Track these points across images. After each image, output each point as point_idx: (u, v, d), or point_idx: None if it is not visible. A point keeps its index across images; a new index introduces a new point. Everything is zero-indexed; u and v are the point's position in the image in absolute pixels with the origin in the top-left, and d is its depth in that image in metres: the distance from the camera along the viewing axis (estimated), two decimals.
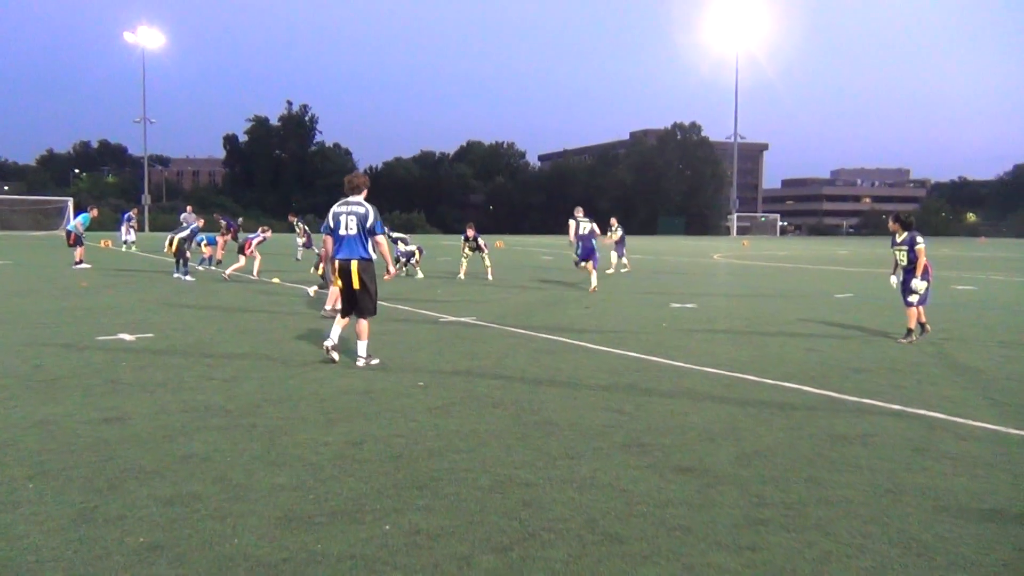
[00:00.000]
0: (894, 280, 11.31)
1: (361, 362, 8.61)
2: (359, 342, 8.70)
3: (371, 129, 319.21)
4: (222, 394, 7.22)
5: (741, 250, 49.96)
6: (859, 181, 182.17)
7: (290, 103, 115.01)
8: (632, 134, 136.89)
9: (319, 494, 4.66)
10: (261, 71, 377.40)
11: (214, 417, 6.40)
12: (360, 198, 8.66)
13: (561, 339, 10.73)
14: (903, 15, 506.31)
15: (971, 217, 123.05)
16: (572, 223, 19.45)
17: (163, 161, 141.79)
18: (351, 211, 8.54)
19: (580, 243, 19.05)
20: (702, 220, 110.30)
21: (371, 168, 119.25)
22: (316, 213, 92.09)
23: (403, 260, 21.75)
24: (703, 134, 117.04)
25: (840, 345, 10.59)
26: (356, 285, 8.52)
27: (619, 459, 5.42)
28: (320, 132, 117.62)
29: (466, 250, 21.83)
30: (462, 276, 21.44)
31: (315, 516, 4.32)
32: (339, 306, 9.13)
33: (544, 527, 4.21)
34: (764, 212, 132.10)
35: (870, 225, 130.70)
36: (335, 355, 8.78)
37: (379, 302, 9.09)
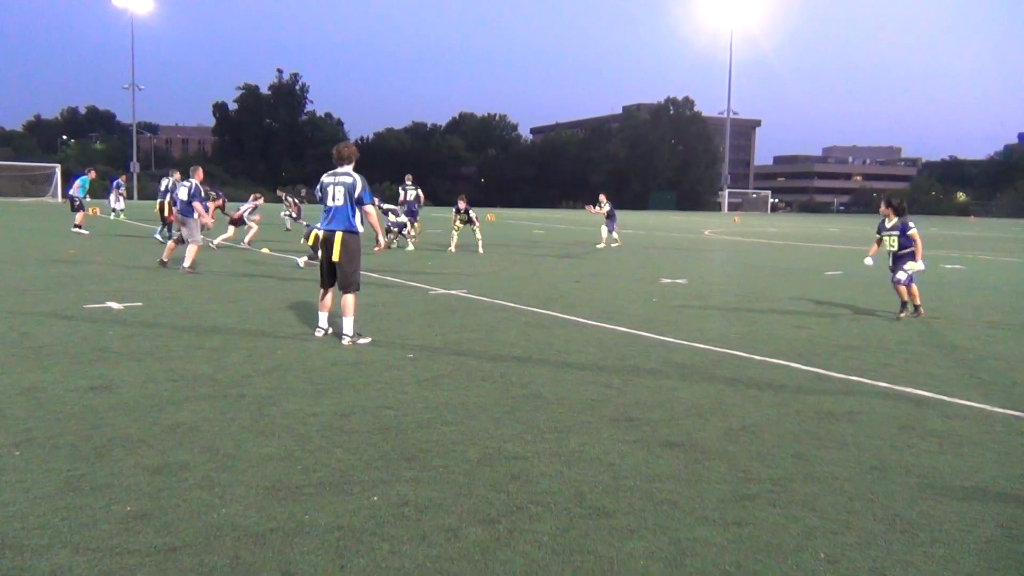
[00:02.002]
0: (869, 261, 11.41)
1: (346, 340, 8.28)
2: (344, 319, 8.37)
3: (363, 99, 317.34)
4: (210, 364, 7.19)
5: (732, 226, 49.97)
6: (850, 159, 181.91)
7: (280, 72, 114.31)
8: (625, 108, 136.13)
9: (307, 464, 4.66)
10: (251, 39, 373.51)
11: (202, 387, 6.38)
12: (348, 168, 8.45)
13: (551, 313, 10.73)
14: None
15: (961, 196, 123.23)
16: (401, 190, 23.72)
17: (152, 128, 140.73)
18: (339, 181, 8.34)
19: (406, 207, 22.89)
20: (694, 195, 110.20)
21: (362, 139, 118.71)
22: (307, 183, 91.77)
23: (395, 231, 21.69)
24: (696, 109, 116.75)
25: (829, 323, 10.63)
26: (336, 257, 8.28)
27: (607, 433, 5.44)
28: (311, 101, 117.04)
29: (457, 222, 21.81)
30: (453, 249, 21.39)
31: (303, 486, 4.32)
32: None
33: (532, 500, 4.22)
34: (755, 188, 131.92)
35: (861, 203, 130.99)
36: (331, 330, 8.68)
37: (369, 273, 9.05)
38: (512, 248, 24.10)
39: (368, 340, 8.41)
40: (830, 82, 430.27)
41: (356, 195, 8.28)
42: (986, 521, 4.13)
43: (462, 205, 21.62)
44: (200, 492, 4.21)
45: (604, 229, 25.22)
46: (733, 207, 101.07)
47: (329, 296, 8.69)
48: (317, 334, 8.61)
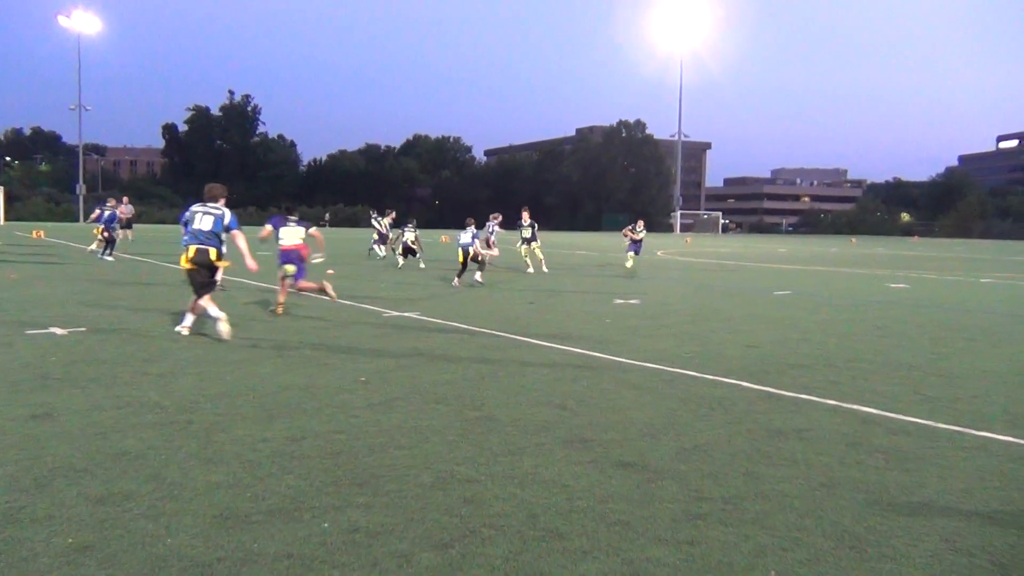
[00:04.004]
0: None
1: (223, 328, 9.63)
2: (209, 307, 9.80)
3: (316, 121, 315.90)
4: (157, 390, 7.04)
5: (684, 247, 50.60)
6: (798, 180, 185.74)
7: (232, 93, 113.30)
8: (578, 130, 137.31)
9: (256, 492, 4.58)
10: (202, 60, 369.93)
11: (149, 413, 6.24)
12: (219, 204, 10.24)
13: (505, 335, 10.72)
14: (841, 20, 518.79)
15: (905, 217, 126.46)
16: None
17: (99, 150, 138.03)
18: (208, 211, 10.10)
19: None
20: (646, 217, 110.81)
21: (315, 160, 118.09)
22: (258, 205, 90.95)
23: (411, 247, 23.46)
24: (648, 132, 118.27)
25: (779, 341, 10.79)
26: (205, 273, 9.95)
27: (561, 455, 5.44)
28: (263, 123, 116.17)
29: (520, 245, 23.08)
30: (531, 270, 22.80)
31: (252, 514, 4.24)
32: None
33: (485, 523, 4.20)
34: (707, 210, 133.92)
35: (809, 224, 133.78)
36: (186, 332, 10.04)
37: (321, 297, 9.23)
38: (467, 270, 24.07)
39: (227, 326, 9.70)
40: (778, 106, 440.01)
41: (225, 224, 10.09)
42: (931, 535, 4.21)
43: (526, 216, 21.93)
44: (145, 522, 4.10)
45: (631, 254, 24.04)
46: (685, 228, 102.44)
47: (200, 302, 9.98)
48: (183, 332, 9.98)
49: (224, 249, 10.14)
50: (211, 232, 10.09)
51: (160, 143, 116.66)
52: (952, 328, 12.79)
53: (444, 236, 50.00)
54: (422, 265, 23.30)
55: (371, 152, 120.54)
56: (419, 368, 8.32)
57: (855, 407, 7.03)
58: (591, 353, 9.45)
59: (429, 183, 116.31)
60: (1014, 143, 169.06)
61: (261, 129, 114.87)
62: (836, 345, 10.58)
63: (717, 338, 10.97)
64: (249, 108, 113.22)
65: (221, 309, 9.87)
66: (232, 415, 6.26)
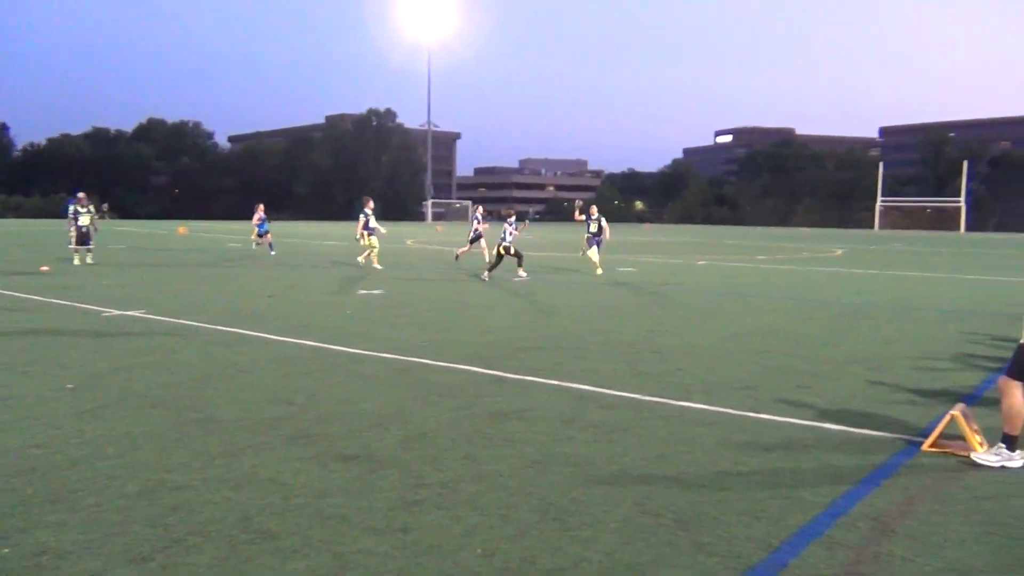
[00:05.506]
0: None
1: None
2: None
3: (31, 101, 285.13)
4: None
5: (434, 235, 51.29)
6: (543, 171, 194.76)
7: None
8: (328, 118, 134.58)
9: None
10: None
11: None
12: None
13: (237, 330, 10.31)
14: (579, 19, 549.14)
15: (639, 205, 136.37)
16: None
17: None
18: None
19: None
20: (399, 205, 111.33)
21: (32, 145, 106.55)
22: None
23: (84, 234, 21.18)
24: (398, 121, 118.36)
25: (512, 327, 11.24)
26: None
27: (283, 452, 5.32)
28: None
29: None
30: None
31: None
32: None
33: (192, 531, 4.02)
34: (458, 198, 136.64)
35: (554, 211, 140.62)
36: None
37: (31, 296, 8.25)
38: (204, 262, 22.87)
39: None
40: (524, 98, 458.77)
41: None
42: (625, 500, 4.58)
43: (480, 216, 20.31)
44: None
45: (595, 251, 21.86)
46: (437, 217, 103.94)
47: None
48: None
49: None
50: None
51: None
52: (669, 307, 13.98)
53: (182, 227, 47.11)
54: (89, 260, 21.16)
55: (99, 136, 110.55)
56: (137, 371, 7.78)
57: (574, 385, 7.48)
58: (327, 346, 9.33)
59: (167, 170, 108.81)
60: (729, 138, 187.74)
61: None
62: (564, 328, 11.20)
63: (455, 325, 11.23)
64: None
65: None
66: None
